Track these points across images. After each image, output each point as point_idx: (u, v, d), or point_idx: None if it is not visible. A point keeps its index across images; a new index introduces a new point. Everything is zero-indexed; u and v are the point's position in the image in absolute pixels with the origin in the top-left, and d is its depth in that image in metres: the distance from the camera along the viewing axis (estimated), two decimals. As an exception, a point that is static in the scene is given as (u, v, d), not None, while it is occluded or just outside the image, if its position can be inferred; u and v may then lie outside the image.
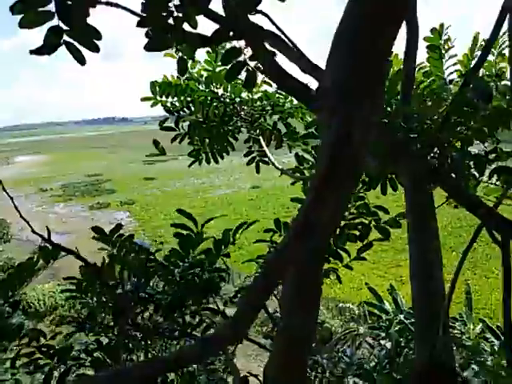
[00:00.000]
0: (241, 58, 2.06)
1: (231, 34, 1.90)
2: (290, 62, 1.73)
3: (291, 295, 1.49)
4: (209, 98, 4.55)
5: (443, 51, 3.70)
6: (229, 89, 4.60)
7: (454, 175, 2.04)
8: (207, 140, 4.53)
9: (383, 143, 1.88)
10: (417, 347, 2.89)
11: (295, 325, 1.45)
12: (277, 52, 1.82)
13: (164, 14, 1.91)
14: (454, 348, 8.07)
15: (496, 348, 8.66)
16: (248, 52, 2.05)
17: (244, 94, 4.70)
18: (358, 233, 3.10)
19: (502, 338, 8.40)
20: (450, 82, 3.34)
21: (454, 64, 3.80)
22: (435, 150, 1.99)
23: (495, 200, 2.35)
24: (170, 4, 1.91)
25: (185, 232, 2.80)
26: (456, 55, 3.78)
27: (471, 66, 3.42)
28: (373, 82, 1.29)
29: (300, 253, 1.27)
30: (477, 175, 2.19)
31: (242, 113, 4.65)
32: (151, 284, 2.82)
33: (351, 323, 9.68)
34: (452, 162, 1.95)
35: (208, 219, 3.01)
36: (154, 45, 1.97)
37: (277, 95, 4.79)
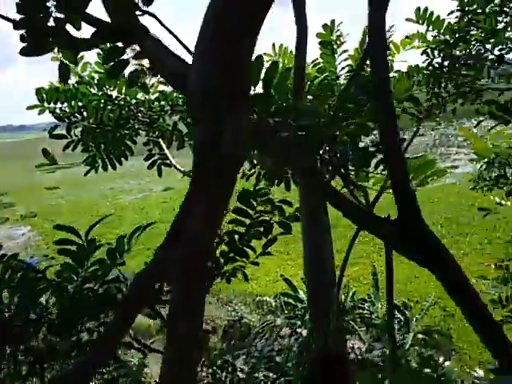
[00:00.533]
0: (124, 57, 1.96)
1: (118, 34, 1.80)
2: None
3: (176, 302, 1.46)
4: (102, 102, 4.34)
5: (335, 47, 3.85)
6: (123, 90, 4.42)
7: (342, 169, 2.12)
8: (103, 145, 4.32)
9: (275, 140, 1.90)
10: (313, 336, 3.00)
11: (180, 330, 1.42)
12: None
13: (41, 15, 1.77)
14: (364, 328, 8.50)
15: (402, 322, 9.30)
16: (134, 51, 1.96)
17: (140, 95, 4.54)
18: (262, 229, 3.13)
19: (407, 313, 9.06)
20: (338, 77, 3.48)
21: (346, 59, 3.97)
22: (324, 145, 2.07)
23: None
24: (50, 5, 1.77)
25: (72, 247, 2.63)
26: (347, 51, 3.96)
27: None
28: (237, 82, 1.29)
29: (168, 262, 1.25)
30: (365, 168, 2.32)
31: (140, 115, 4.49)
32: (44, 303, 2.62)
33: (269, 316, 9.84)
34: (341, 157, 2.03)
35: (91, 226, 2.82)
36: (29, 49, 1.81)
37: (175, 94, 4.68)
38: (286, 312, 8.46)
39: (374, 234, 2.32)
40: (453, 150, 23.89)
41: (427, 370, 3.96)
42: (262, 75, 2.01)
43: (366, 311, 9.36)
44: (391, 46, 3.54)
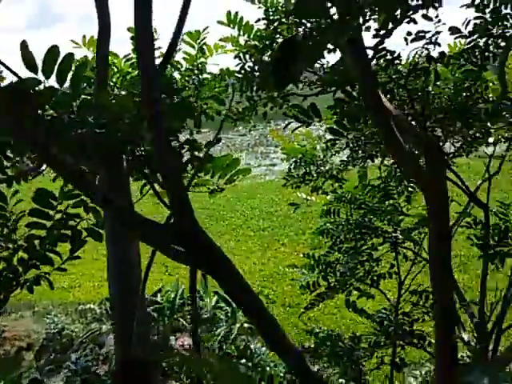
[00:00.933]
0: None
1: None
2: None
3: None
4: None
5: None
6: None
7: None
8: None
9: (71, 138, 1.74)
10: (116, 345, 2.91)
11: None
12: None
13: None
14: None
15: (229, 314, 9.65)
16: None
17: None
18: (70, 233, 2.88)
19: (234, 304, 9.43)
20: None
21: (160, 56, 3.91)
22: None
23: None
24: None
25: None
26: (160, 48, 3.90)
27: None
28: None
29: None
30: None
31: None
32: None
33: (93, 324, 9.28)
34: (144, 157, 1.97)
35: None
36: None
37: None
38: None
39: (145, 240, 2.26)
40: (271, 149, 25.90)
41: (243, 361, 4.18)
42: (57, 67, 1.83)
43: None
44: (205, 48, 3.59)
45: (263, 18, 3.17)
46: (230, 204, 18.26)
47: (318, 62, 3.30)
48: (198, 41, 3.74)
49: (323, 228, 5.10)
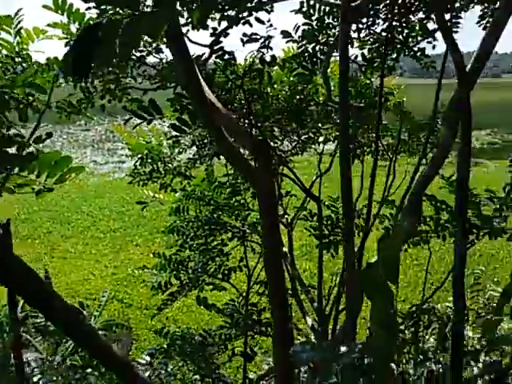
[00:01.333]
0: None
1: None
2: None
3: None
4: None
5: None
6: None
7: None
8: None
9: None
10: None
11: None
12: None
13: None
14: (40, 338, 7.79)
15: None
16: None
17: None
18: None
19: (85, 312, 8.87)
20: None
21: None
22: None
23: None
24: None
25: None
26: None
27: None
28: None
29: None
30: None
31: None
32: None
33: None
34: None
35: None
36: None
37: None
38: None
39: None
40: (119, 145, 24.75)
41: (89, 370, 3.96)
42: None
43: (40, 320, 8.67)
44: (23, 33, 3.25)
45: (94, 7, 2.99)
46: (75, 205, 17.11)
47: (156, 56, 3.25)
48: (13, 26, 3.37)
49: (173, 226, 5.06)
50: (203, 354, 4.17)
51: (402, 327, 4.72)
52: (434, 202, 3.74)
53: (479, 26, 3.74)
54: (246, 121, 3.72)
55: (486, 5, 3.55)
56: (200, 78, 2.17)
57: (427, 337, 4.73)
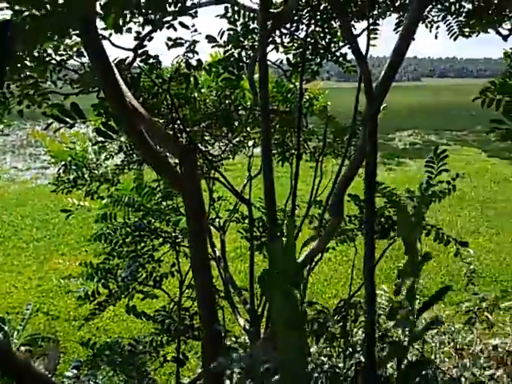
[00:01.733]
0: None
1: None
2: None
3: None
4: None
5: None
6: None
7: None
8: None
9: None
10: None
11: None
12: None
13: None
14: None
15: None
16: None
17: None
18: None
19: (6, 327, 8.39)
20: None
21: None
22: None
23: None
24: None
25: None
26: None
27: None
28: None
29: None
30: None
31: None
32: None
33: None
34: None
35: None
36: None
37: None
38: None
39: None
40: (41, 150, 23.55)
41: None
42: None
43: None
44: None
45: (7, 7, 2.82)
46: (-6, 214, 16.06)
47: (77, 60, 3.14)
48: None
49: (100, 233, 4.89)
50: (134, 363, 4.07)
51: (331, 322, 4.89)
52: (357, 202, 3.92)
53: (396, 32, 3.96)
54: (175, 126, 3.69)
55: (401, 13, 3.77)
56: (120, 81, 2.12)
57: (355, 330, 4.92)
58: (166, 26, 3.07)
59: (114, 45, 3.06)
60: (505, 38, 4.14)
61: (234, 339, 4.93)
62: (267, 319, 4.96)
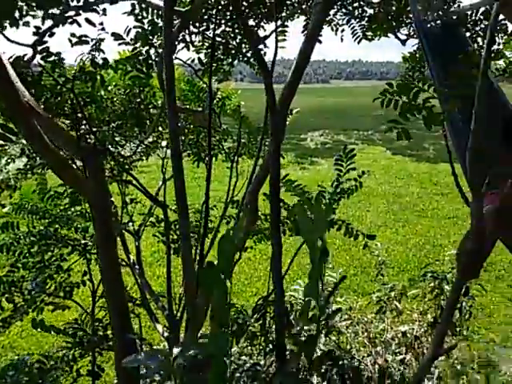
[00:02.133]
0: None
1: None
2: None
3: None
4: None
5: None
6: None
7: None
8: None
9: None
10: None
11: None
12: None
13: None
14: None
15: None
16: None
17: None
18: None
19: None
20: None
21: None
22: None
23: None
24: None
25: None
26: None
27: None
28: None
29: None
30: None
31: None
32: None
33: None
34: None
35: None
36: None
37: None
38: None
39: None
40: None
41: None
42: None
43: None
44: None
45: None
46: None
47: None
48: None
49: (2, 244, 4.52)
50: (43, 381, 3.79)
51: (252, 320, 4.93)
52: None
53: (304, 35, 4.07)
54: (82, 126, 3.50)
55: (308, 15, 3.88)
56: (15, 79, 1.96)
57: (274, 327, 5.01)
58: (69, 21, 2.90)
59: (9, 40, 2.84)
60: (403, 42, 4.43)
61: (149, 347, 4.78)
62: (186, 324, 4.89)
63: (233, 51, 3.81)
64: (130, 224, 5.09)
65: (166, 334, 4.82)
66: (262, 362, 4.84)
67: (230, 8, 3.45)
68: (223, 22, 3.50)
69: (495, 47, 4.42)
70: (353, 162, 3.52)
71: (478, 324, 9.40)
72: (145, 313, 5.09)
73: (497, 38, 4.32)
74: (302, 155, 25.77)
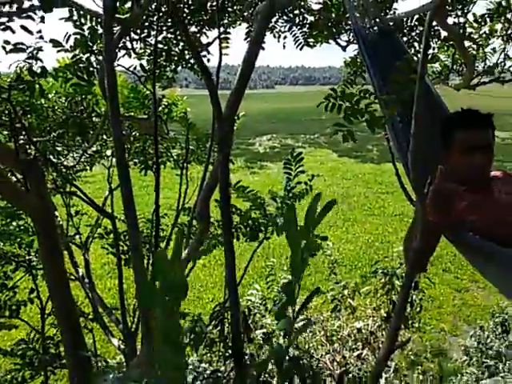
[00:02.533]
0: None
1: None
2: None
3: None
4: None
5: None
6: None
7: None
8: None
9: None
10: None
11: None
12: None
13: None
14: None
15: None
16: None
17: None
18: None
19: None
20: None
21: None
22: None
23: None
24: None
25: None
26: None
27: None
28: None
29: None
30: None
31: None
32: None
33: None
34: None
35: None
36: None
37: None
38: None
39: None
40: None
41: None
42: None
43: None
44: None
45: None
46: None
47: None
48: None
49: None
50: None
51: (210, 327, 4.89)
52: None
53: (247, 42, 4.09)
54: (21, 137, 3.34)
55: (250, 23, 3.91)
56: None
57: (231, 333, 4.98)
58: (2, 28, 2.77)
59: None
60: (343, 48, 4.56)
61: (104, 363, 4.64)
62: (142, 336, 4.77)
63: (176, 58, 3.77)
64: (77, 236, 4.92)
65: (122, 347, 4.69)
66: (222, 368, 4.80)
67: (172, 15, 3.42)
68: (165, 28, 3.46)
69: (431, 51, 4.64)
70: (301, 165, 3.56)
71: (429, 315, 9.81)
72: (98, 326, 4.93)
73: (432, 43, 4.54)
74: (252, 160, 25.89)
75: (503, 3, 3.92)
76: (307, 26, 4.19)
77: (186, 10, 3.22)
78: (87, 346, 3.30)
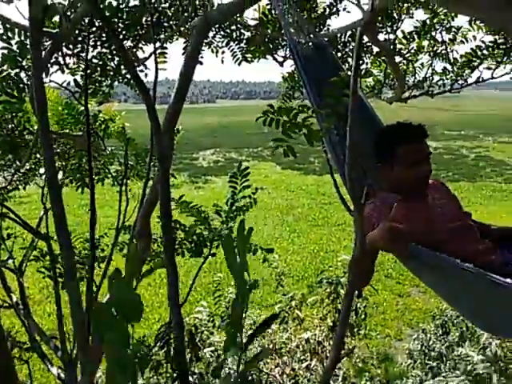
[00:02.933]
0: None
1: None
2: None
3: None
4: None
5: None
6: None
7: None
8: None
9: None
10: None
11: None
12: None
13: None
14: None
15: None
16: None
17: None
18: None
19: None
20: None
21: None
22: None
23: None
24: None
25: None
26: None
27: None
28: None
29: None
30: None
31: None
32: None
33: None
34: None
35: None
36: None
37: None
38: None
39: None
40: None
41: None
42: None
43: None
44: None
45: None
46: None
47: None
48: None
49: None
50: None
51: (156, 348, 4.75)
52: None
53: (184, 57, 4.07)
54: None
55: (187, 38, 3.90)
56: None
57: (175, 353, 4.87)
58: None
59: None
60: (281, 63, 4.64)
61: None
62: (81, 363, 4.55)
63: (111, 73, 3.68)
64: (10, 261, 4.63)
65: (62, 376, 4.45)
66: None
67: (106, 29, 3.34)
68: (99, 43, 3.37)
69: (364, 66, 4.84)
70: (247, 179, 3.56)
71: (374, 322, 10.07)
72: (36, 355, 4.65)
73: (365, 59, 4.73)
74: (196, 175, 25.73)
75: (428, 22, 4.17)
76: (244, 41, 4.24)
77: (120, 24, 3.16)
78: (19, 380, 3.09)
